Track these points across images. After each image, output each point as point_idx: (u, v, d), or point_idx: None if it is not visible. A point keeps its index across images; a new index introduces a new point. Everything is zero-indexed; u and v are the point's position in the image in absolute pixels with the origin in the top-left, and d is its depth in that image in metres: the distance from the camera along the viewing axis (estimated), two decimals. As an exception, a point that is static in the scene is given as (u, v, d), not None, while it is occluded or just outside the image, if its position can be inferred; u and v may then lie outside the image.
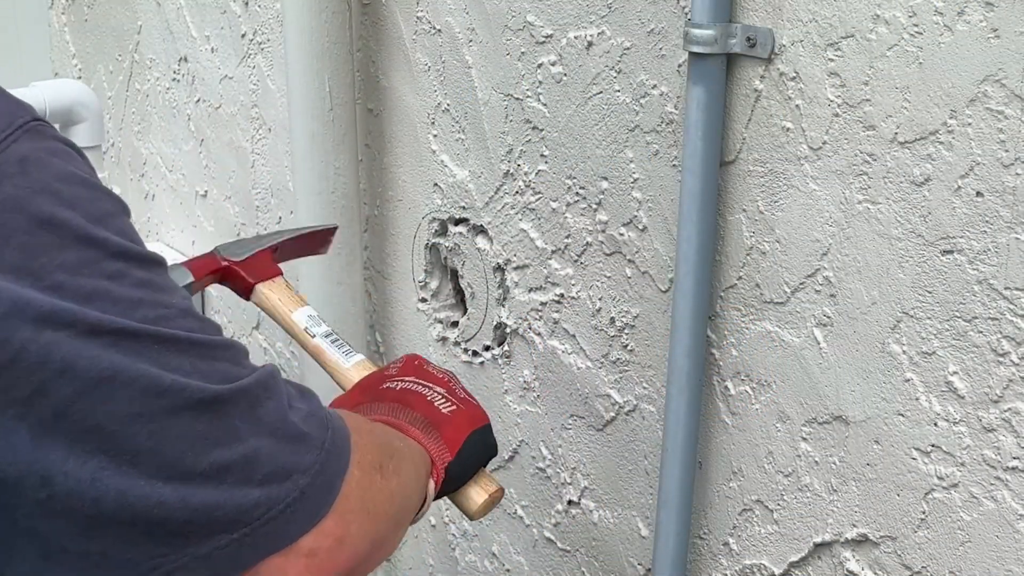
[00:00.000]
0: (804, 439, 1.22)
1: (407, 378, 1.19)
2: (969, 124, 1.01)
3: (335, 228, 1.62)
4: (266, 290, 1.43)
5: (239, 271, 1.44)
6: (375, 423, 1.05)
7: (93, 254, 0.74)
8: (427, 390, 1.17)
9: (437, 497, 1.13)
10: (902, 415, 1.12)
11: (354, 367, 1.32)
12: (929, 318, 1.08)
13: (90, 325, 0.72)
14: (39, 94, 2.12)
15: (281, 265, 1.46)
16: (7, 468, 0.71)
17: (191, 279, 1.45)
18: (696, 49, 1.18)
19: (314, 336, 1.35)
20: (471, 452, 1.14)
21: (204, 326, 0.80)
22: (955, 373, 1.07)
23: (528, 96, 1.47)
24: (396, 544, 0.98)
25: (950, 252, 1.05)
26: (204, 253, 1.45)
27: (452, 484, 1.13)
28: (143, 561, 0.77)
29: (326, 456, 0.83)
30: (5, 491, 0.72)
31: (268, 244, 1.54)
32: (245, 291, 1.46)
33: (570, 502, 1.56)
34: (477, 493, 1.15)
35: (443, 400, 1.17)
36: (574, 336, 1.49)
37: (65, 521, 0.74)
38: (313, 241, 1.65)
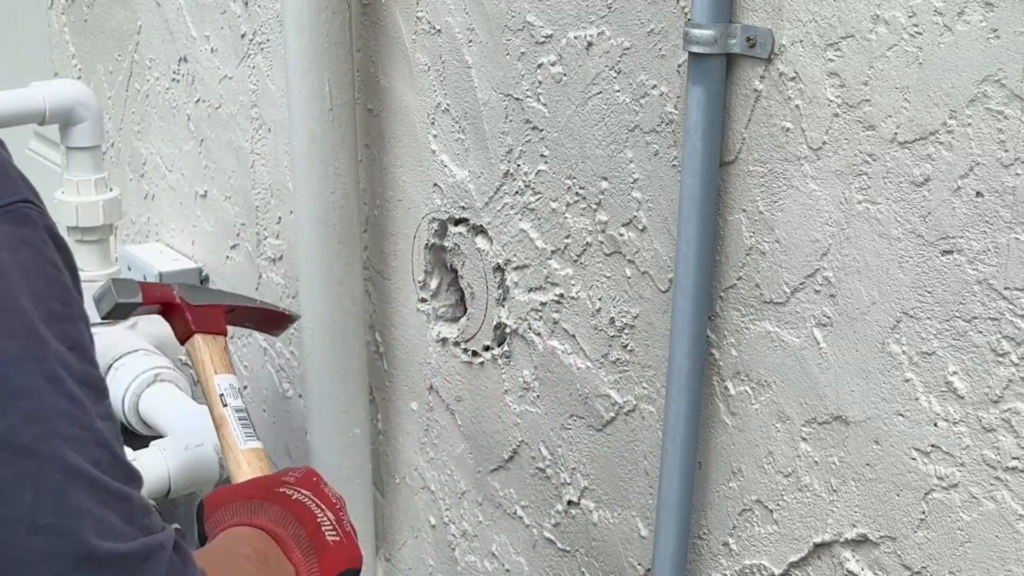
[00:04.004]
0: (804, 439, 1.22)
1: (303, 490, 1.21)
2: (969, 124, 1.01)
3: (296, 317, 1.60)
4: (202, 342, 1.42)
5: (187, 314, 1.43)
6: (240, 558, 1.08)
7: (36, 351, 0.72)
8: (319, 511, 1.20)
9: None
10: (902, 415, 1.12)
11: (247, 451, 1.33)
12: (929, 318, 1.08)
13: None
14: (38, 94, 2.11)
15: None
16: None
17: (139, 300, 1.44)
18: (696, 49, 1.18)
19: (226, 405, 1.35)
20: None
21: (116, 467, 0.76)
22: (955, 373, 1.07)
23: (528, 96, 1.47)
24: None
25: (950, 252, 1.05)
26: (163, 283, 1.45)
27: None
28: None
29: None
30: None
31: (226, 302, 1.54)
32: (184, 335, 1.44)
33: (570, 502, 1.56)
34: None
35: (331, 528, 1.19)
36: (574, 336, 1.49)
37: None
38: (271, 319, 1.65)
